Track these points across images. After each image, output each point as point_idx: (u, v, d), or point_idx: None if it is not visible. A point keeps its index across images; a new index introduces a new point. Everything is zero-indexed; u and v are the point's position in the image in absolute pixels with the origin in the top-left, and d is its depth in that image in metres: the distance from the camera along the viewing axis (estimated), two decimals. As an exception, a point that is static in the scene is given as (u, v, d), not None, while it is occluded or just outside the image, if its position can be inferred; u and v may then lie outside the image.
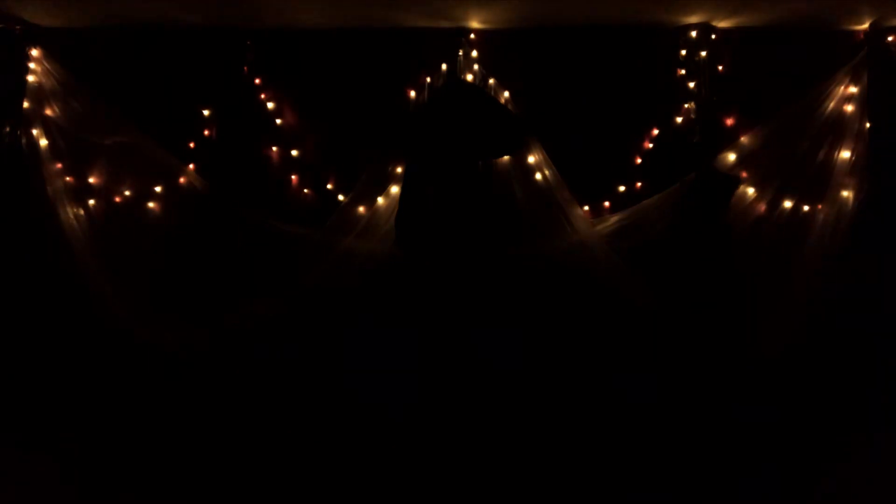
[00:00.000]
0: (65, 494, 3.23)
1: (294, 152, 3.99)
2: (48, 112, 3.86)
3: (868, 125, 3.76)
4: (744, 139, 3.84)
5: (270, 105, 4.00)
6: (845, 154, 3.74)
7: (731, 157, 3.84)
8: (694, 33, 3.90)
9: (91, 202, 3.88)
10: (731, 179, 3.79)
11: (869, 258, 3.74)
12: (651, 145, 3.93)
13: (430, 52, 3.92)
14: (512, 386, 3.63)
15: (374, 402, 3.57)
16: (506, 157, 3.78)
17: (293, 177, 4.00)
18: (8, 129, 3.87)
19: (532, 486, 3.27)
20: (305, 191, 3.99)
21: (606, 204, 3.91)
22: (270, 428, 3.64)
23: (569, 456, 3.48)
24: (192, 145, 3.94)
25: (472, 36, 3.93)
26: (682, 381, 3.69)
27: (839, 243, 3.70)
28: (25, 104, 3.86)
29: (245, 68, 3.98)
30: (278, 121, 4.00)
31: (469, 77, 3.86)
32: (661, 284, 3.72)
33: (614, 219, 3.81)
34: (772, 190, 3.78)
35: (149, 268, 3.87)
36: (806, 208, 3.79)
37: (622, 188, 3.91)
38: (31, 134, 3.84)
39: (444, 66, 3.91)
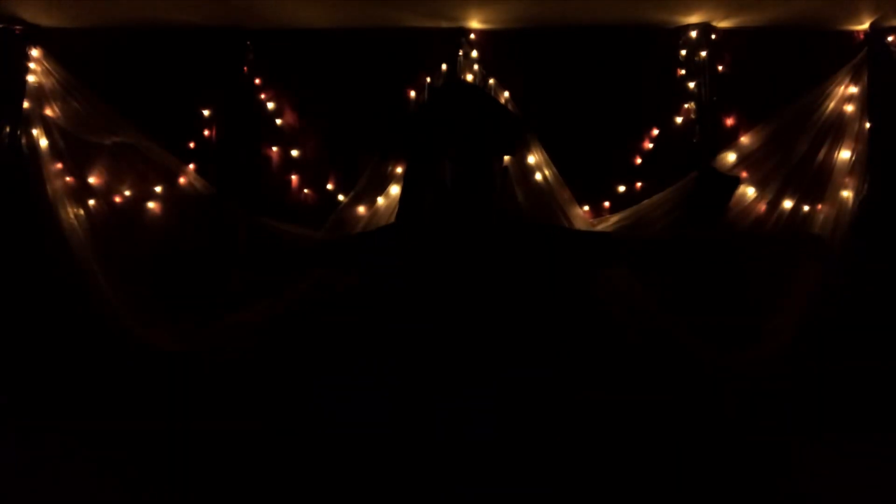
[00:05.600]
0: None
1: (294, 152, 3.99)
2: (48, 112, 3.85)
3: (868, 125, 3.76)
4: (744, 139, 3.84)
5: (270, 105, 4.00)
6: (845, 154, 3.74)
7: (731, 157, 3.83)
8: (694, 33, 3.90)
9: (91, 202, 3.86)
10: (731, 179, 3.79)
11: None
12: (651, 145, 3.92)
13: (430, 52, 3.92)
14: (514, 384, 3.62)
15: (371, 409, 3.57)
16: (506, 157, 3.77)
17: (293, 177, 4.00)
18: (8, 129, 3.86)
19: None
20: (305, 191, 3.99)
21: (606, 204, 3.90)
22: (268, 429, 3.64)
23: (570, 456, 3.48)
24: (192, 145, 3.94)
25: (472, 36, 3.93)
26: (682, 383, 3.69)
27: (839, 243, 3.69)
28: (25, 104, 3.84)
29: (245, 68, 3.98)
30: (278, 121, 3.99)
31: (469, 77, 3.86)
32: (660, 284, 3.71)
33: (614, 219, 3.80)
34: (772, 190, 3.76)
35: (148, 268, 3.85)
36: (806, 208, 3.78)
37: (622, 188, 3.91)
38: (31, 134, 3.82)
39: (444, 66, 3.90)
